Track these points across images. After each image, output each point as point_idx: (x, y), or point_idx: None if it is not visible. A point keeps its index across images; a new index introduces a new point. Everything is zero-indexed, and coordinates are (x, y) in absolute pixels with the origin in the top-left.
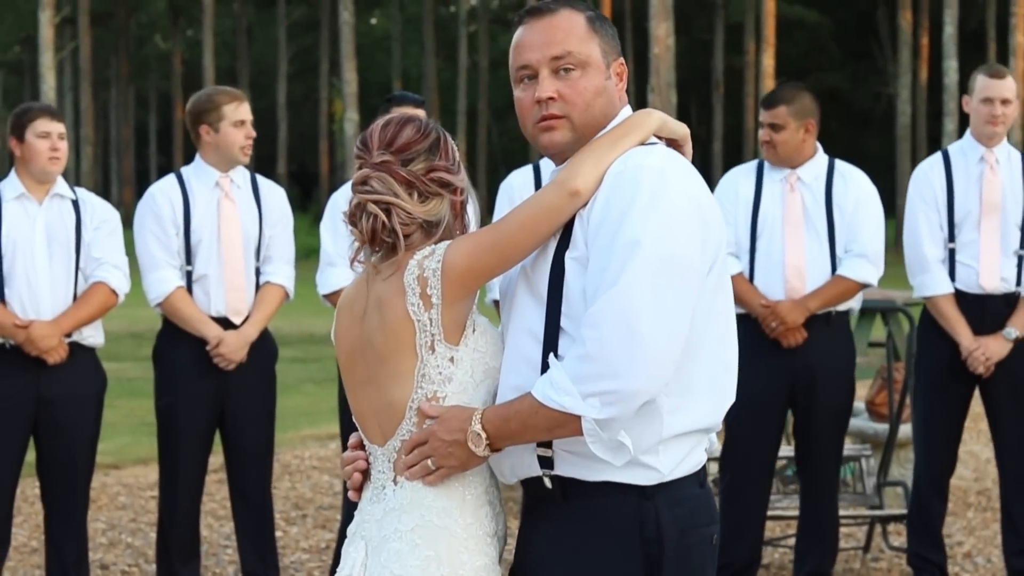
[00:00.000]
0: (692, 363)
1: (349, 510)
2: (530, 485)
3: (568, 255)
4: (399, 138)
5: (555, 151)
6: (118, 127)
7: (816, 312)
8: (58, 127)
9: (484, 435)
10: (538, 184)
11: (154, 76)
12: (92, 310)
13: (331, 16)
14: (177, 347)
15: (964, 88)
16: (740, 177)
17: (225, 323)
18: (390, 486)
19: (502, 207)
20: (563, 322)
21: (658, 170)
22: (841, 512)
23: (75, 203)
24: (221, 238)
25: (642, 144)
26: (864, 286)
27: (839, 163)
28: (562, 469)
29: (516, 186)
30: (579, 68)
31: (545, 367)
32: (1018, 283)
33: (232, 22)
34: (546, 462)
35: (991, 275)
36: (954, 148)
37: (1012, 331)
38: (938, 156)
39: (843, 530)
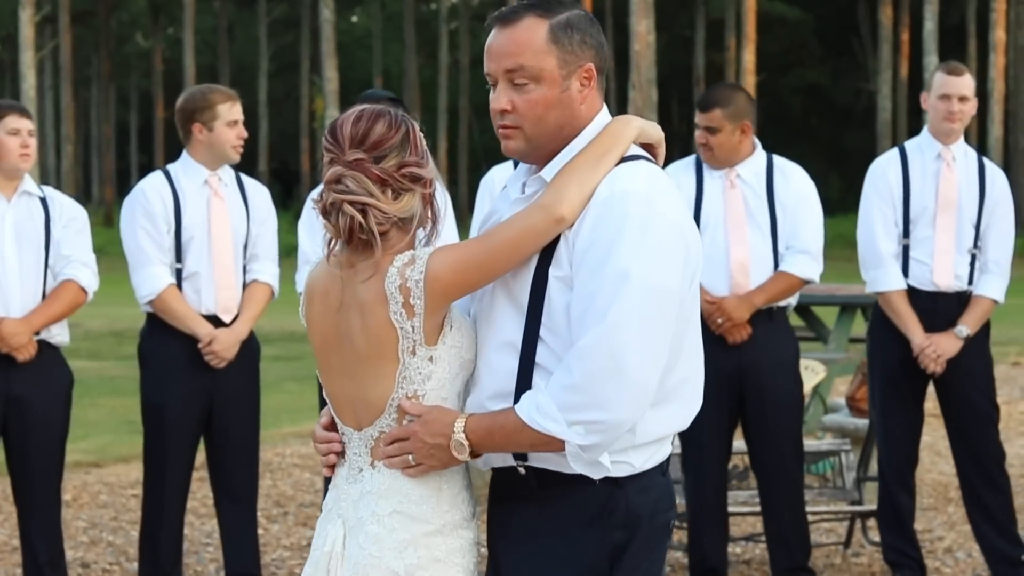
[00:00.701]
0: (667, 375)
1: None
2: (502, 473)
3: (552, 273)
4: (371, 134)
5: (512, 156)
6: (99, 125)
7: (760, 308)
8: (27, 124)
9: (467, 444)
10: None
11: (135, 74)
12: (62, 308)
13: (311, 14)
14: (164, 345)
15: None
16: (680, 174)
17: (215, 321)
18: (368, 469)
19: (483, 202)
20: (543, 333)
21: (645, 197)
22: (821, 507)
23: (43, 201)
24: (211, 236)
25: (626, 156)
26: (807, 282)
27: (778, 159)
28: (536, 461)
29: (497, 181)
30: (532, 81)
31: (522, 376)
32: (970, 281)
33: (212, 20)
34: (520, 455)
35: (945, 272)
36: (911, 144)
37: (963, 329)
38: (895, 152)
39: (823, 525)
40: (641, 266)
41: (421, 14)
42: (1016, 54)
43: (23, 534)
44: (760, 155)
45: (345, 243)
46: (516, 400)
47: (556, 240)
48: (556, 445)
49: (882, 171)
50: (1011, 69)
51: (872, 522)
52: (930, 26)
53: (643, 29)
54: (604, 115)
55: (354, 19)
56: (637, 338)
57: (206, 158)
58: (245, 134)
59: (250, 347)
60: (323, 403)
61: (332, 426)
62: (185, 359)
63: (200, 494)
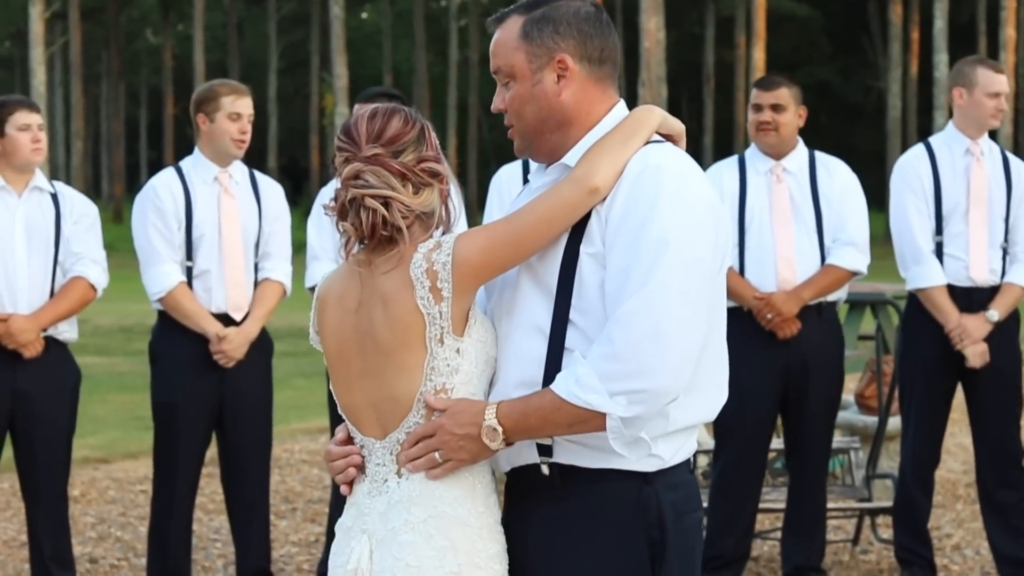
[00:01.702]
0: (698, 361)
1: (339, 504)
2: (523, 473)
3: (584, 250)
4: (388, 129)
5: (520, 156)
6: (108, 122)
7: (809, 302)
8: (37, 118)
9: (500, 430)
10: (526, 178)
11: (144, 71)
12: (71, 305)
13: (321, 10)
14: (175, 343)
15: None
16: (724, 171)
17: (225, 319)
18: (393, 479)
19: (492, 201)
20: (573, 316)
21: (678, 172)
22: (830, 505)
23: (54, 197)
24: (222, 234)
25: (648, 141)
26: (855, 274)
27: (820, 154)
28: (562, 457)
29: (505, 179)
30: (511, 79)
31: (551, 361)
32: (1002, 275)
33: (222, 17)
34: (545, 450)
35: (980, 267)
36: (937, 140)
37: (994, 313)
38: (921, 148)
39: (832, 523)
40: (679, 235)
41: (431, 11)
42: None
43: (31, 529)
44: (803, 149)
45: (366, 240)
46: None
47: (586, 217)
48: (596, 422)
49: (912, 167)
50: (1021, 67)
51: (881, 519)
52: (940, 24)
53: (653, 26)
54: (621, 108)
55: (364, 16)
56: (679, 304)
57: (212, 153)
58: (248, 129)
59: (262, 345)
60: (332, 402)
61: (348, 442)
62: (195, 357)
63: (208, 490)
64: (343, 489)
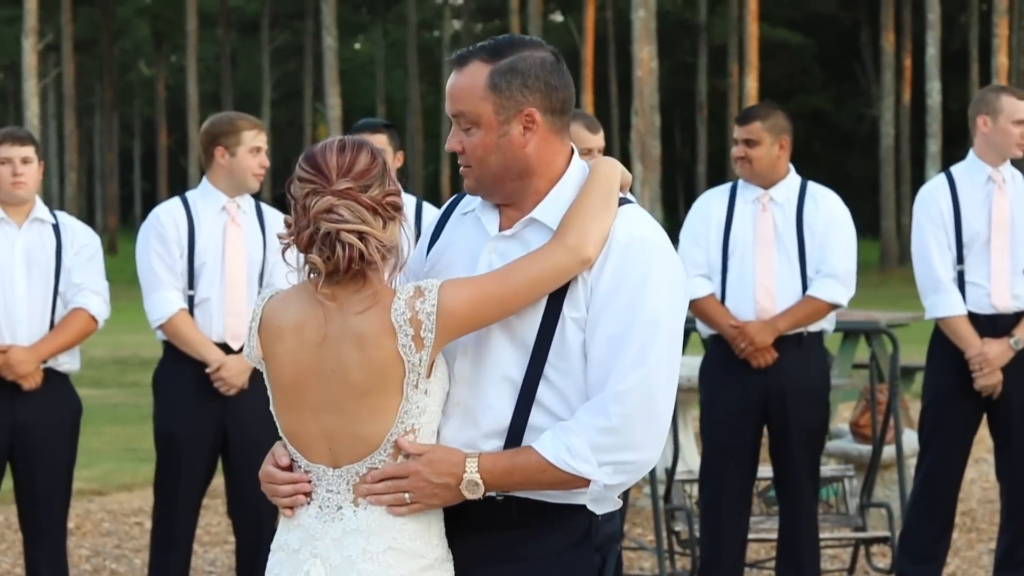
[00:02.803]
0: None
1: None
2: (474, 503)
3: (568, 313)
4: (357, 164)
5: (471, 194)
6: (102, 153)
7: (786, 332)
8: (20, 151)
9: (482, 484)
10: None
11: (138, 102)
12: (71, 336)
13: (314, 41)
14: (178, 373)
15: (947, 109)
16: (713, 198)
17: (224, 348)
18: (348, 507)
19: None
20: (548, 372)
21: (660, 245)
22: (825, 534)
23: (55, 227)
24: (225, 263)
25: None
26: (834, 306)
27: (811, 184)
28: (522, 493)
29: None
30: (473, 126)
31: (519, 413)
32: None
33: (215, 48)
34: None
35: (1002, 294)
36: (958, 169)
37: (1019, 340)
38: (942, 177)
39: (827, 552)
40: (668, 314)
41: (423, 42)
42: (1019, 79)
43: (28, 562)
44: (794, 179)
45: (335, 275)
46: (510, 438)
47: (570, 281)
48: (578, 484)
49: (932, 197)
50: None
51: (876, 548)
52: (932, 52)
53: (645, 55)
54: (576, 157)
55: (357, 47)
56: (667, 383)
57: (226, 184)
58: (267, 163)
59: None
60: None
61: (290, 467)
62: (197, 387)
63: (203, 522)
64: (287, 513)
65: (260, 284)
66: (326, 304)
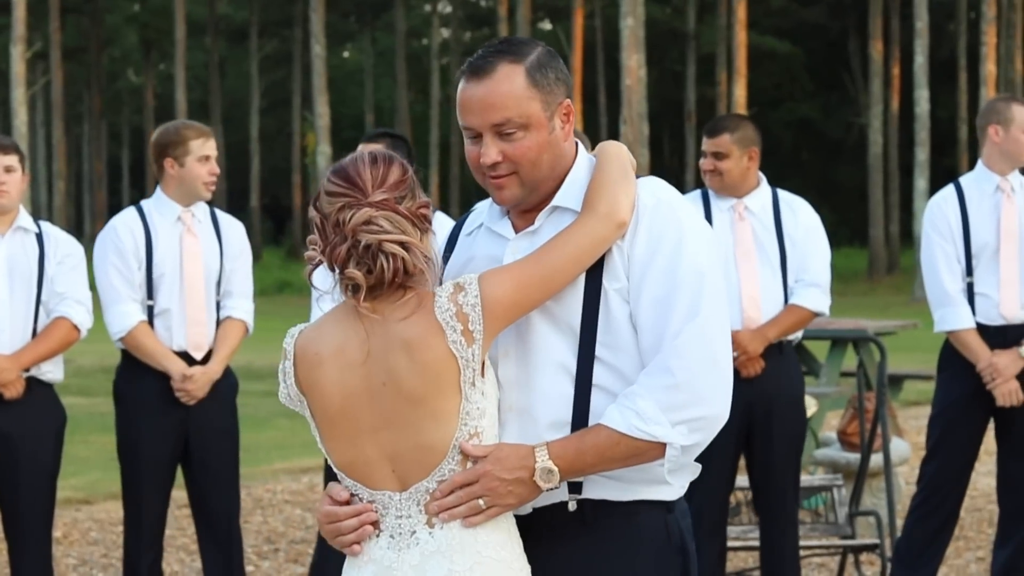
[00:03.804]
0: None
1: (324, 546)
2: (544, 513)
3: (609, 285)
4: (390, 176)
5: (508, 205)
6: (90, 162)
7: (772, 341)
8: (4, 160)
9: (557, 470)
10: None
11: (126, 111)
12: (53, 345)
13: (303, 50)
14: (137, 382)
15: (936, 117)
16: None
17: (186, 358)
18: (423, 530)
19: None
20: (600, 352)
21: (685, 205)
22: (813, 542)
23: (39, 236)
24: (183, 273)
25: None
26: (817, 315)
27: (783, 194)
28: (592, 492)
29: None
30: (521, 130)
31: (580, 399)
32: None
33: (204, 56)
34: (574, 487)
35: (1011, 304)
36: (967, 180)
37: None
38: (950, 188)
39: (815, 560)
40: (710, 265)
41: (412, 50)
42: (1006, 87)
43: (13, 571)
44: (766, 188)
45: (375, 289)
46: (575, 426)
47: (605, 254)
48: (654, 453)
49: (940, 209)
50: None
51: (864, 557)
52: (920, 60)
53: (634, 64)
54: (580, 145)
55: (345, 55)
56: (724, 331)
57: (178, 194)
58: (217, 170)
59: (225, 382)
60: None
61: (349, 502)
62: (158, 396)
63: (191, 531)
64: (355, 548)
65: (217, 292)
66: (366, 319)
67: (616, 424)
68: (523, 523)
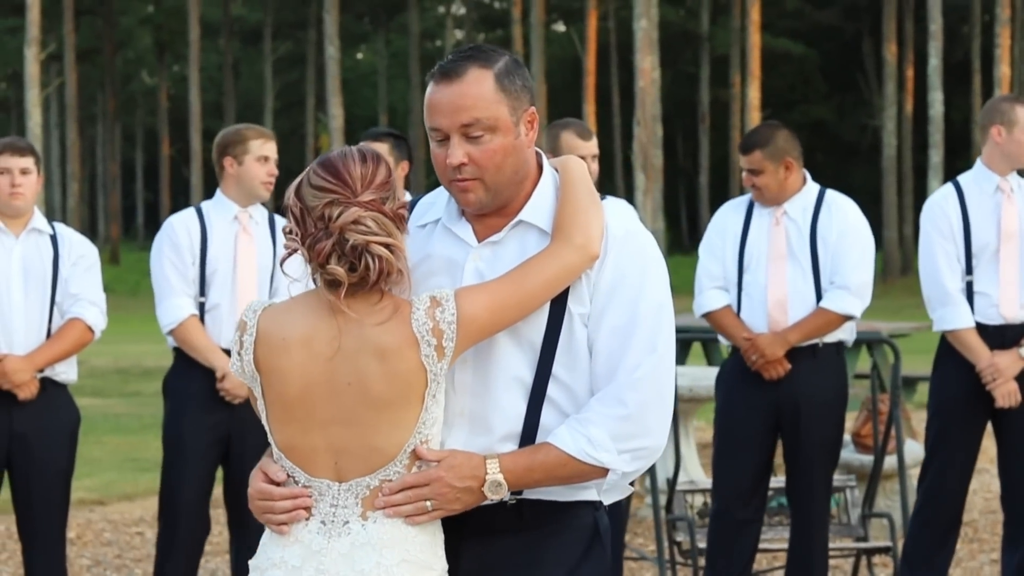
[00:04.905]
0: None
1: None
2: (482, 510)
3: (574, 309)
4: (378, 176)
5: (472, 209)
6: (104, 163)
7: (798, 344)
8: (20, 162)
9: (505, 484)
10: None
11: (140, 112)
12: (67, 346)
13: (317, 51)
14: (186, 380)
15: (950, 119)
16: (730, 212)
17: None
18: (356, 521)
19: None
20: (556, 370)
21: (647, 236)
22: None
23: (53, 238)
24: (236, 270)
25: None
26: (847, 318)
27: (829, 193)
28: (530, 493)
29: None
30: (487, 132)
31: (531, 414)
32: None
33: (218, 58)
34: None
35: (1011, 303)
36: (966, 179)
37: None
38: (950, 187)
39: (830, 562)
40: (667, 300)
41: (425, 51)
42: (1021, 89)
43: (28, 572)
44: (811, 189)
45: (355, 287)
46: (524, 439)
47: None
48: (596, 475)
49: (940, 207)
50: None
51: (878, 559)
52: (934, 62)
53: (648, 66)
54: (544, 158)
55: (359, 56)
56: (672, 365)
57: (237, 194)
58: (275, 171)
59: None
60: None
61: (282, 484)
62: (204, 393)
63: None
64: (282, 529)
65: (270, 291)
66: (340, 316)
67: (567, 447)
68: (459, 518)
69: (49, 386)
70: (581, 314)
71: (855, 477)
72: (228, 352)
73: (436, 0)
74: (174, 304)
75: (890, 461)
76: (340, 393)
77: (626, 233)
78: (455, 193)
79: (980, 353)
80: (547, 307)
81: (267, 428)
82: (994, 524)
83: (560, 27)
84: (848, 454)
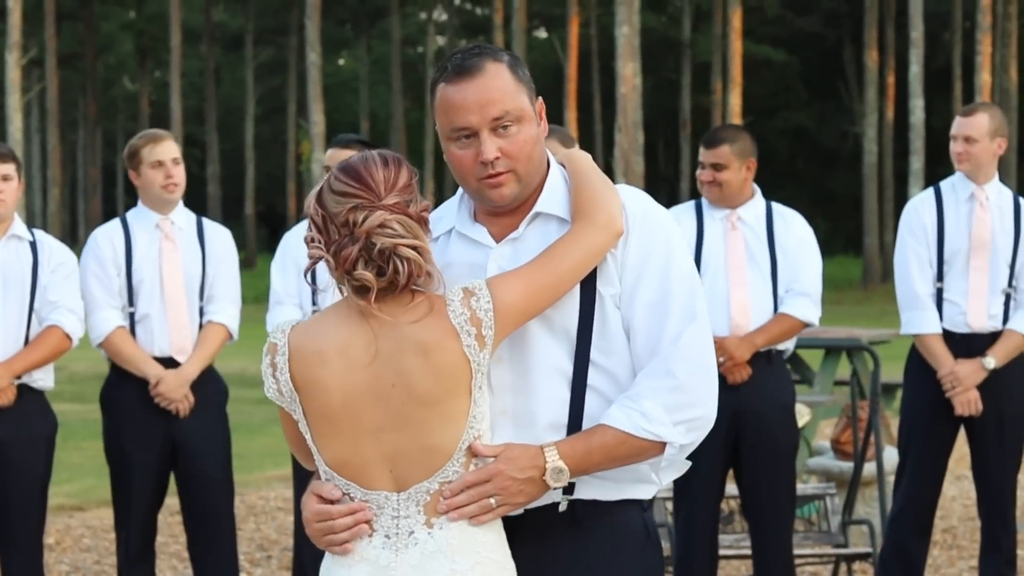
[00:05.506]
0: None
1: (308, 551)
2: (534, 513)
3: (605, 291)
4: (400, 179)
5: (505, 204)
6: (85, 168)
7: (760, 349)
8: (0, 168)
9: (567, 469)
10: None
11: (122, 117)
12: (44, 353)
13: (298, 57)
14: (123, 390)
15: (931, 126)
16: (681, 216)
17: (170, 363)
18: (421, 530)
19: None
20: (594, 356)
21: (665, 212)
22: (806, 551)
23: (33, 245)
24: (163, 279)
25: None
26: (806, 325)
27: (776, 205)
28: (583, 492)
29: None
30: (515, 124)
31: (575, 401)
32: (1005, 321)
33: (199, 63)
34: (567, 487)
35: (978, 313)
36: (946, 184)
37: (990, 360)
38: (930, 192)
39: (808, 569)
40: (694, 271)
41: (407, 57)
42: (1001, 96)
43: None
44: (760, 199)
45: (386, 291)
46: (571, 428)
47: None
48: (653, 452)
49: (916, 212)
50: None
51: (857, 565)
52: (915, 69)
53: (629, 72)
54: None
55: (341, 62)
56: (711, 335)
57: (151, 203)
58: (173, 172)
59: (212, 387)
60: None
61: (338, 501)
62: (142, 404)
63: (183, 538)
64: (346, 547)
65: (201, 297)
66: (373, 319)
67: (621, 424)
68: (510, 523)
69: (26, 393)
70: (612, 295)
71: (835, 484)
72: (165, 360)
73: (418, 6)
74: (100, 317)
75: (869, 468)
76: (386, 397)
77: (644, 211)
78: (486, 191)
79: (943, 360)
80: (577, 293)
81: (313, 448)
82: (973, 531)
83: (542, 33)
84: (827, 461)
